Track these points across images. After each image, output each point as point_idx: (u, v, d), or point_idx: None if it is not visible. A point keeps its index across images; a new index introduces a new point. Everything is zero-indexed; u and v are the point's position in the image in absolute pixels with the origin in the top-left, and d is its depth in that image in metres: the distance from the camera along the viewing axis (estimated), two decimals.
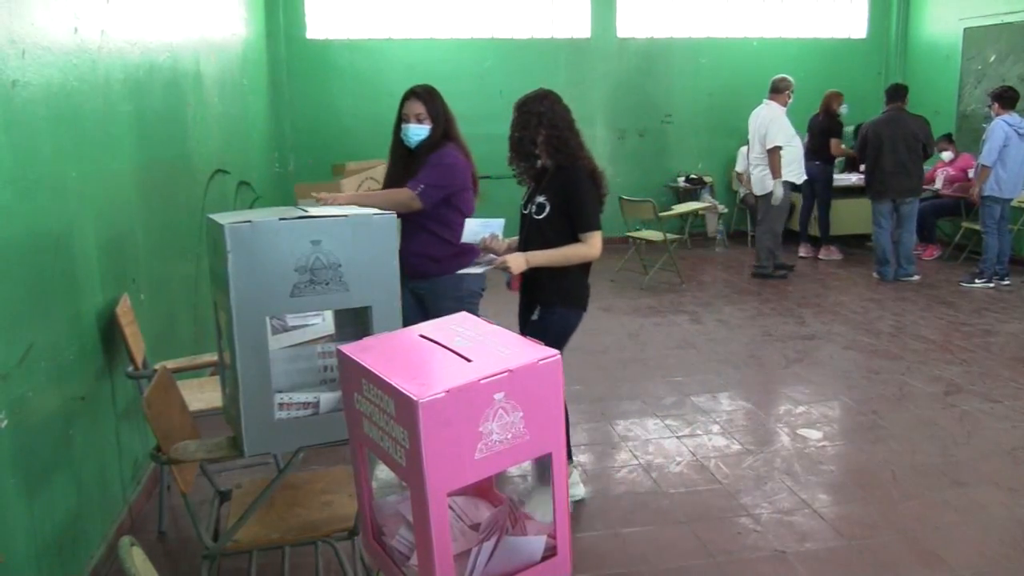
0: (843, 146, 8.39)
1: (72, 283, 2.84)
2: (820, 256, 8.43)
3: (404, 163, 3.49)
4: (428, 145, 3.40)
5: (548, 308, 3.15)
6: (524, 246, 3.11)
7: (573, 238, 3.05)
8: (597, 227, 3.06)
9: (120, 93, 3.49)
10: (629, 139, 9.69)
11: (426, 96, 3.40)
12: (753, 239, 7.93)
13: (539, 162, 3.15)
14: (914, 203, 7.34)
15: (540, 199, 3.10)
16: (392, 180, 3.53)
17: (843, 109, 8.16)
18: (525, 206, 3.22)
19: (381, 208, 2.68)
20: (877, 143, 7.24)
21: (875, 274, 7.52)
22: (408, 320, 2.72)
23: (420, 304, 3.47)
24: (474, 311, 3.10)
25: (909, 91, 7.45)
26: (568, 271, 3.10)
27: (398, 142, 3.50)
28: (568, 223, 3.05)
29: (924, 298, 6.81)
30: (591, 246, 3.04)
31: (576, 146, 3.10)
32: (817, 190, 8.23)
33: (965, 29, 8.79)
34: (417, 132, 3.39)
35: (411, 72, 8.89)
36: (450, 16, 9.11)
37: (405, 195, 3.29)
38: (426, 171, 3.32)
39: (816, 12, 9.84)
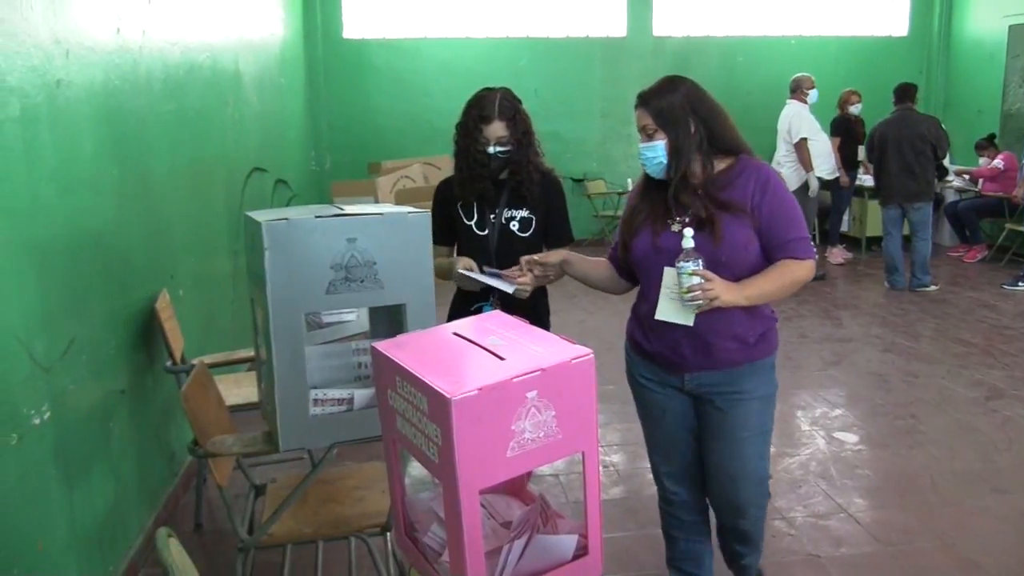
0: (865, 156, 8.19)
1: (112, 279, 2.90)
2: (826, 256, 8.24)
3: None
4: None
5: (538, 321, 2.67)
6: (498, 267, 2.58)
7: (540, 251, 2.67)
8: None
9: (161, 92, 3.55)
10: None
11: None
12: None
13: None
14: (925, 209, 6.95)
15: (522, 213, 2.66)
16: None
17: (854, 108, 7.90)
18: (480, 221, 2.68)
19: (783, 294, 2.16)
20: (883, 144, 6.92)
21: (885, 283, 7.24)
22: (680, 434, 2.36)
23: (697, 407, 2.33)
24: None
25: (919, 90, 7.19)
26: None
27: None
28: (543, 237, 2.70)
29: (965, 301, 6.68)
30: None
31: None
32: (832, 191, 7.96)
33: (1010, 26, 8.60)
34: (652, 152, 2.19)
35: (446, 71, 8.96)
36: (485, 15, 9.13)
37: (807, 269, 2.19)
38: (779, 214, 2.16)
39: (856, 10, 9.69)
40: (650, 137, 2.18)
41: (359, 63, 9.09)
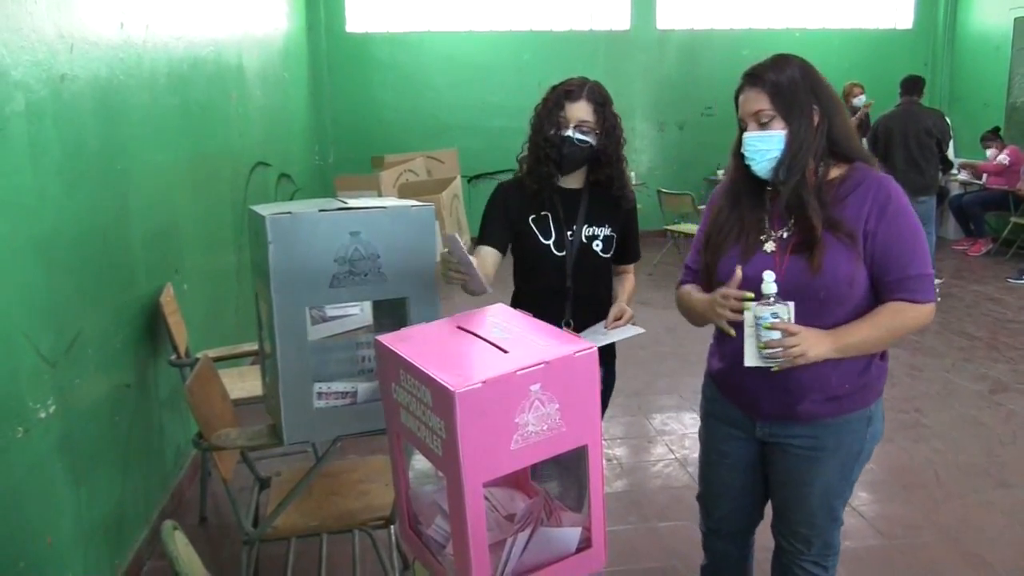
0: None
1: (118, 273, 2.90)
2: None
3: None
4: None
5: (611, 367, 2.46)
6: (574, 287, 2.33)
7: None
8: None
9: (165, 87, 3.55)
10: (669, 132, 9.61)
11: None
12: None
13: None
14: (929, 202, 6.83)
15: (605, 231, 2.34)
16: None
17: (858, 100, 7.83)
18: (558, 241, 2.32)
19: (889, 344, 1.80)
20: (887, 138, 6.81)
21: None
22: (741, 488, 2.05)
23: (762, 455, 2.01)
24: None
25: (926, 83, 7.12)
26: None
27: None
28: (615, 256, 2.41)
29: (970, 294, 6.66)
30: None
31: None
32: None
33: (1016, 19, 8.57)
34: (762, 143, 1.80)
35: (449, 65, 8.95)
36: (489, 8, 9.12)
37: (925, 315, 1.77)
38: (898, 244, 1.74)
39: (861, 2, 9.65)
40: (763, 125, 1.77)
41: (362, 57, 9.08)
